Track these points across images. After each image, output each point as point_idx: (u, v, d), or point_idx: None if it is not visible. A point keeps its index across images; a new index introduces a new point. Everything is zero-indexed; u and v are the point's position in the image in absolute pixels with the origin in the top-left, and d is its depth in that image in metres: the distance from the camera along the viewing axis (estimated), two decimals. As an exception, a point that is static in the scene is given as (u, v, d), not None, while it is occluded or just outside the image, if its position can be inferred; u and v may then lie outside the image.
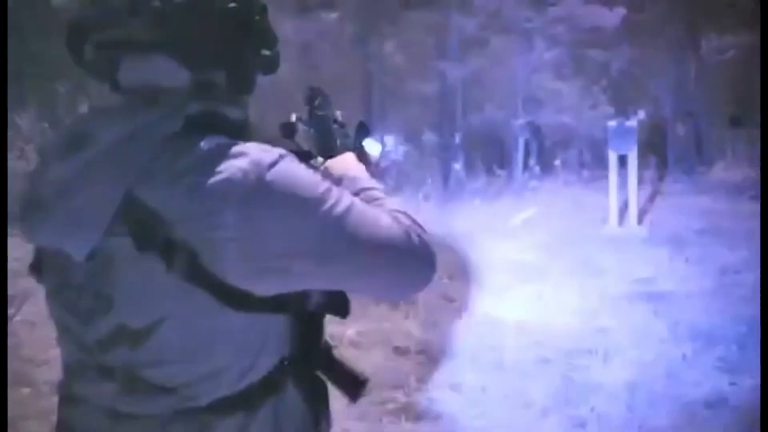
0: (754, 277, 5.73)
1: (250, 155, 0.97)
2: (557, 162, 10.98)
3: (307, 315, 1.12)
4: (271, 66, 1.17)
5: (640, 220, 8.06)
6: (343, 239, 1.00)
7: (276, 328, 1.06)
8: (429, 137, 11.21)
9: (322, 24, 10.76)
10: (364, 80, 11.09)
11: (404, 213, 1.11)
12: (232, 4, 1.06)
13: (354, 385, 1.28)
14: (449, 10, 11.52)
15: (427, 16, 11.41)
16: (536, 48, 11.78)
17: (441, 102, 11.54)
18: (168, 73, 1.04)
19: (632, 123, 8.50)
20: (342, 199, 1.02)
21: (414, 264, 1.08)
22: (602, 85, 12.40)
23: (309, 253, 0.99)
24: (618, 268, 6.40)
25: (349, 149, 1.40)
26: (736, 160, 12.81)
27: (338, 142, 1.39)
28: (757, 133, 13.93)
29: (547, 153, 11.13)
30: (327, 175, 1.32)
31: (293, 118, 1.32)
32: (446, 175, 10.52)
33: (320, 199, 0.99)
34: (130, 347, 0.99)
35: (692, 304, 5.27)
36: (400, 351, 4.61)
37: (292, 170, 1.00)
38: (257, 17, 1.11)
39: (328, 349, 1.25)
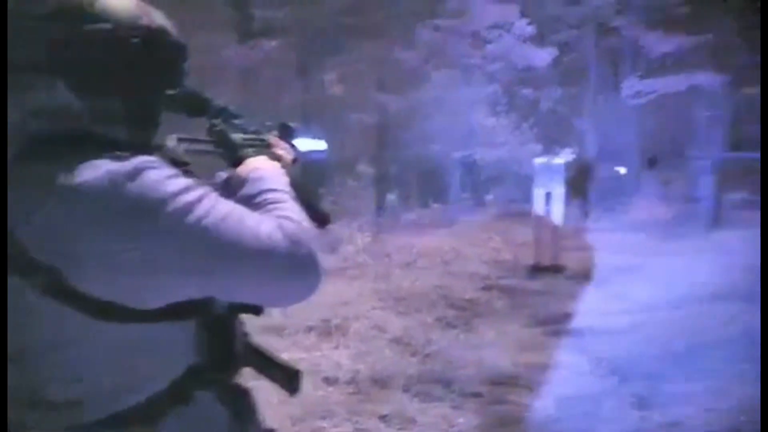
0: (667, 315, 6.07)
1: (106, 167, 0.97)
2: (489, 196, 11.22)
3: (214, 319, 1.11)
4: (176, 105, 1.19)
5: (562, 257, 8.31)
6: (213, 249, 0.98)
7: (174, 336, 1.05)
8: (365, 168, 11.31)
9: (263, 52, 10.77)
10: (304, 109, 11.10)
11: (294, 221, 1.08)
12: (135, 40, 1.05)
13: (288, 378, 1.34)
14: (391, 44, 11.70)
15: (369, 49, 11.53)
16: (474, 84, 12.05)
17: (379, 134, 11.65)
18: (59, 96, 1.03)
19: (559, 161, 8.78)
20: (214, 209, 1.00)
21: (295, 273, 1.04)
22: (531, 122, 12.83)
23: (173, 264, 0.97)
24: (541, 302, 6.63)
25: (265, 154, 1.37)
26: (652, 200, 13.44)
27: (251, 150, 1.36)
28: (672, 174, 14.76)
29: (480, 187, 11.38)
30: (224, 181, 1.33)
31: (172, 139, 1.26)
32: (381, 206, 10.63)
33: (183, 209, 0.97)
34: (17, 367, 0.99)
35: (610, 341, 5.45)
36: (329, 381, 4.59)
37: (151, 181, 0.97)
38: (163, 56, 1.11)
39: (251, 347, 1.27)
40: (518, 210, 10.70)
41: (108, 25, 1.04)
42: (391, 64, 11.90)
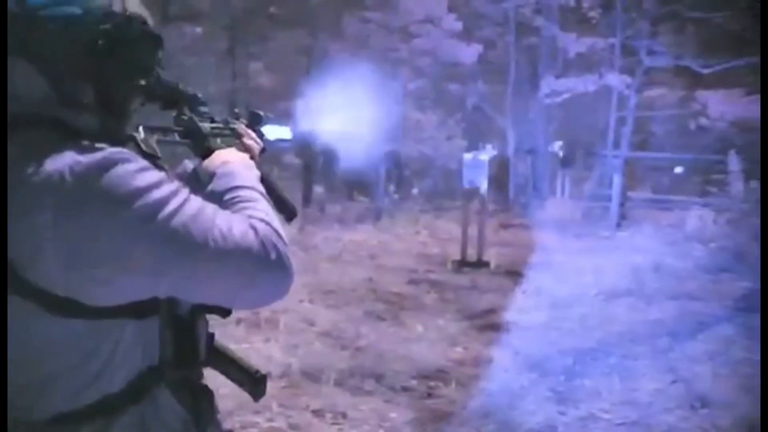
0: (580, 311, 6.37)
1: (72, 156, 0.94)
2: (415, 191, 11.32)
3: (178, 319, 1.10)
4: (151, 96, 1.17)
5: (486, 252, 8.52)
6: (183, 249, 0.96)
7: (136, 335, 1.03)
8: (291, 159, 11.22)
9: (186, 38, 10.46)
10: (230, 97, 10.87)
11: (266, 222, 1.06)
12: (105, 26, 1.02)
13: (252, 382, 1.34)
14: (318, 33, 11.60)
15: (295, 38, 11.39)
16: (401, 78, 12.10)
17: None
18: (24, 79, 0.99)
19: (484, 157, 8.96)
20: (185, 207, 0.98)
21: (267, 276, 1.03)
22: (457, 118, 13.02)
23: (139, 263, 0.94)
24: (468, 297, 6.80)
25: (233, 145, 1.36)
26: (565, 198, 13.97)
27: (218, 140, 1.35)
28: (584, 174, 15.40)
29: (406, 181, 11.47)
30: (192, 172, 1.32)
31: (140, 130, 1.21)
32: (307, 198, 10.57)
33: (153, 206, 0.94)
34: None
35: (528, 336, 5.63)
36: (261, 375, 4.60)
37: (120, 174, 0.94)
38: (136, 45, 1.08)
39: (216, 349, 1.27)
40: (444, 205, 10.85)
41: (77, 10, 1.00)
42: (318, 55, 11.79)
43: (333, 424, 4.03)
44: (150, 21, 1.13)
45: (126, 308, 0.99)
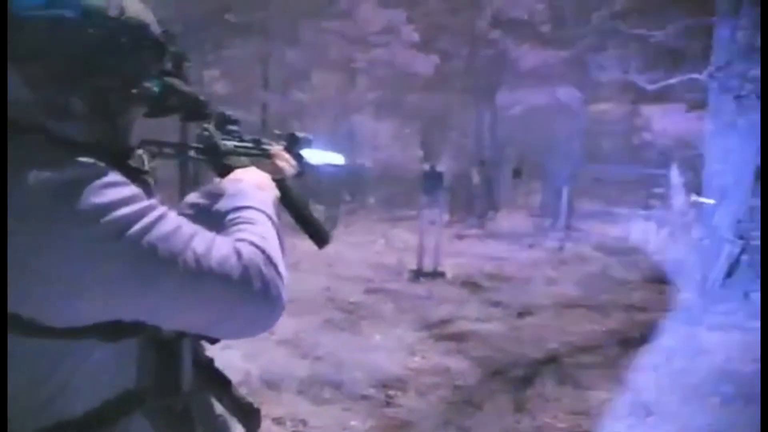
0: (534, 321, 6.51)
1: (41, 168, 0.87)
2: (372, 200, 11.32)
3: (159, 342, 1.02)
4: (154, 105, 1.09)
5: (442, 263, 8.57)
6: (145, 269, 0.88)
7: (103, 357, 0.95)
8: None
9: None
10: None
11: (256, 245, 0.97)
12: (96, 30, 0.95)
13: (244, 415, 1.29)
14: (275, 42, 11.51)
15: (251, 46, 11.25)
16: (358, 87, 12.11)
17: (261, 133, 11.40)
18: (9, 84, 0.93)
19: (441, 168, 9.03)
20: (158, 225, 0.90)
21: (247, 307, 0.94)
22: (414, 128, 13.08)
23: (100, 283, 0.87)
24: (424, 307, 6.86)
25: (261, 165, 1.30)
26: (517, 210, 14.20)
27: (245, 159, 1.30)
28: (534, 186, 15.70)
29: (361, 190, 11.46)
30: (210, 193, 1.26)
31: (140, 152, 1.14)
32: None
33: (119, 222, 0.88)
34: None
35: (485, 346, 5.71)
36: (220, 381, 4.56)
37: (88, 189, 0.87)
38: (133, 52, 1.01)
39: (208, 375, 1.21)
40: (400, 214, 10.88)
41: (69, 12, 0.93)
42: (275, 63, 11.67)
43: (294, 431, 4.03)
44: (154, 27, 1.06)
45: (91, 330, 0.91)
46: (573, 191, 12.65)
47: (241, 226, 1.03)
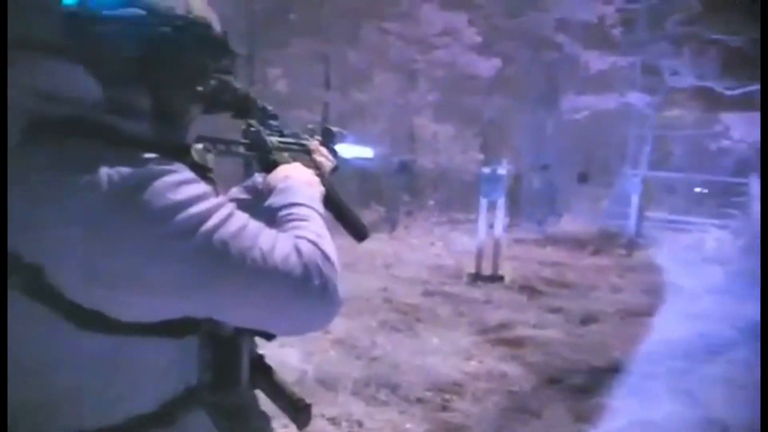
0: (596, 329, 6.31)
1: (113, 165, 0.88)
2: (430, 202, 11.27)
3: (219, 340, 1.04)
4: (212, 103, 1.10)
5: (501, 267, 8.44)
6: (218, 268, 0.89)
7: (171, 354, 0.98)
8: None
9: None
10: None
11: (313, 243, 0.98)
12: (166, 30, 0.97)
13: (295, 410, 1.28)
14: (336, 42, 11.58)
15: (313, 45, 11.34)
16: (418, 89, 12.08)
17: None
18: (76, 82, 0.94)
19: (503, 171, 8.87)
20: (226, 223, 0.91)
21: (305, 303, 0.95)
22: (474, 131, 12.98)
23: (171, 280, 0.88)
24: (482, 311, 6.75)
25: (301, 160, 1.31)
26: (581, 216, 13.89)
27: (287, 154, 1.31)
28: (600, 191, 15.34)
29: (421, 192, 11.43)
30: (253, 188, 1.30)
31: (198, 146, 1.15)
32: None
33: (191, 221, 0.88)
34: None
35: (544, 352, 5.58)
36: (276, 381, 4.58)
37: (161, 187, 0.88)
38: (197, 51, 1.02)
39: (261, 372, 1.21)
40: (459, 217, 10.80)
41: (138, 11, 0.95)
42: (336, 63, 11.75)
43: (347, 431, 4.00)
44: (216, 25, 1.08)
45: (158, 327, 0.93)
46: (643, 198, 12.27)
47: (296, 223, 1.05)
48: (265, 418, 1.25)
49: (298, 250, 0.96)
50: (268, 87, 11.18)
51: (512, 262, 9.00)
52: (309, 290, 0.94)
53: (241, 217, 0.94)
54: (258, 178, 1.36)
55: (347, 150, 1.58)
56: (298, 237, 0.99)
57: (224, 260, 0.90)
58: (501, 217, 8.67)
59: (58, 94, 0.93)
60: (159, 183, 0.89)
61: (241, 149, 1.30)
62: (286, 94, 11.34)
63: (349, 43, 11.94)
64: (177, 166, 0.93)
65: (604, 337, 6.07)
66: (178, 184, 0.90)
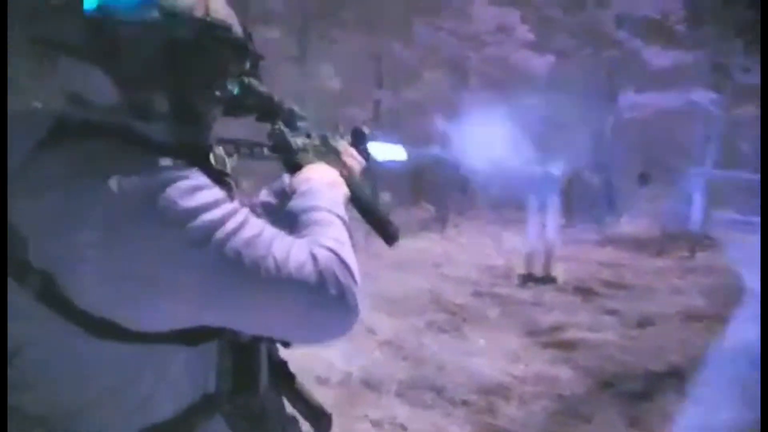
0: (655, 332, 6.07)
1: (129, 171, 0.87)
2: (482, 201, 11.14)
3: (238, 347, 1.03)
4: (235, 106, 1.10)
5: (554, 268, 8.26)
6: (231, 276, 0.88)
7: (186, 361, 0.96)
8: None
9: (262, 40, 10.59)
10: (298, 101, 10.97)
11: (332, 250, 0.96)
12: (183, 32, 0.96)
13: (315, 418, 1.27)
14: (388, 39, 11.57)
15: (365, 43, 11.36)
16: (470, 87, 11.98)
17: (373, 130, 11.57)
18: (95, 85, 0.94)
19: (556, 171, 8.69)
20: (240, 230, 0.89)
21: (322, 313, 0.93)
22: (528, 129, 12.78)
23: (181, 290, 0.87)
24: (532, 312, 6.59)
25: (328, 162, 1.29)
26: (641, 216, 13.47)
27: (312, 155, 1.29)
28: (662, 191, 14.83)
29: (472, 191, 11.31)
30: (280, 190, 1.29)
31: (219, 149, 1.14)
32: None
33: (204, 228, 0.86)
34: None
35: (598, 356, 5.40)
36: (321, 381, 4.53)
37: (175, 193, 0.87)
38: (217, 54, 1.01)
39: (282, 379, 1.21)
40: (511, 216, 10.64)
41: (155, 13, 0.94)
42: (388, 61, 11.76)
43: (390, 434, 3.92)
44: (238, 27, 1.05)
45: (175, 334, 0.92)
46: (707, 197, 11.80)
47: (314, 229, 1.02)
48: (293, 424, 1.25)
49: (314, 258, 0.93)
50: (321, 83, 11.25)
51: (567, 263, 8.78)
52: (325, 299, 0.92)
53: (255, 225, 0.92)
54: (286, 179, 1.35)
55: (380, 151, 1.56)
56: (314, 244, 0.96)
57: (237, 270, 0.88)
58: (554, 217, 8.48)
59: (78, 96, 0.94)
60: (172, 190, 0.87)
61: (266, 151, 1.29)
62: (338, 91, 11.43)
63: (401, 40, 11.94)
64: (191, 171, 0.91)
65: (662, 341, 5.82)
66: (192, 190, 0.88)
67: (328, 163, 1.29)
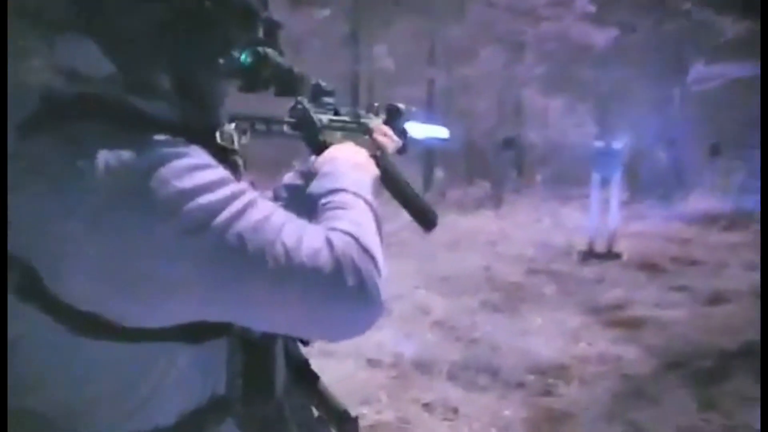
0: (726, 309, 5.75)
1: (116, 152, 0.77)
2: (538, 177, 10.91)
3: (250, 344, 0.94)
4: (248, 79, 0.96)
5: (617, 244, 7.99)
6: (234, 265, 0.78)
7: (190, 360, 0.88)
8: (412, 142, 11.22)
9: (314, 21, 10.59)
10: (352, 81, 10.95)
11: (351, 235, 0.86)
12: None
13: (338, 422, 1.18)
14: (442, 18, 11.41)
15: (418, 22, 11.24)
16: (526, 62, 11.73)
17: (427, 108, 11.52)
18: (88, 58, 0.84)
19: (619, 146, 8.37)
20: (246, 213, 0.80)
21: (339, 305, 0.83)
22: (588, 104, 12.42)
23: (180, 283, 0.78)
24: (593, 290, 6.35)
25: (358, 141, 1.20)
26: (711, 190, 12.94)
27: (338, 134, 1.20)
28: (734, 164, 14.16)
29: (529, 167, 11.09)
30: (307, 173, 1.18)
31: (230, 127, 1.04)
32: (427, 182, 10.41)
33: (203, 210, 0.77)
34: None
35: (665, 335, 5.17)
36: (372, 363, 4.44)
37: (170, 173, 0.77)
38: (217, 18, 0.90)
39: (303, 378, 1.13)
40: (570, 192, 10.36)
41: None
42: (441, 39, 11.59)
43: (444, 419, 3.81)
44: None
45: (176, 332, 0.83)
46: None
47: (335, 212, 0.93)
48: (323, 424, 1.18)
49: (329, 244, 0.83)
50: (373, 64, 11.16)
51: (632, 239, 8.43)
52: (342, 290, 0.82)
53: (262, 208, 0.82)
54: (313, 159, 1.21)
55: (419, 129, 1.45)
56: (331, 228, 0.86)
57: (240, 259, 0.78)
58: (617, 193, 8.19)
59: (69, 69, 0.83)
60: (165, 169, 0.77)
61: (285, 128, 1.17)
62: (391, 71, 11.35)
63: (454, 17, 11.71)
64: (190, 148, 0.81)
65: (735, 319, 5.48)
66: (189, 169, 0.78)
67: (358, 142, 1.19)
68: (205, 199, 0.77)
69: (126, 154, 0.76)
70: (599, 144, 8.47)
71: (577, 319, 5.53)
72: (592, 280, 6.75)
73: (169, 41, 0.86)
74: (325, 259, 0.81)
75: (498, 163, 10.68)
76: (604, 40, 13.02)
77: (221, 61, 0.91)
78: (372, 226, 0.92)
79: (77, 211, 0.75)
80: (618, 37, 13.23)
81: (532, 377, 4.33)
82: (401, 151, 1.33)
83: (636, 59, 14.03)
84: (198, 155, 0.81)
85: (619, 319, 5.55)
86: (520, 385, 4.25)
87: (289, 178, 1.33)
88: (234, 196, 0.80)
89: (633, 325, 5.41)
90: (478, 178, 10.72)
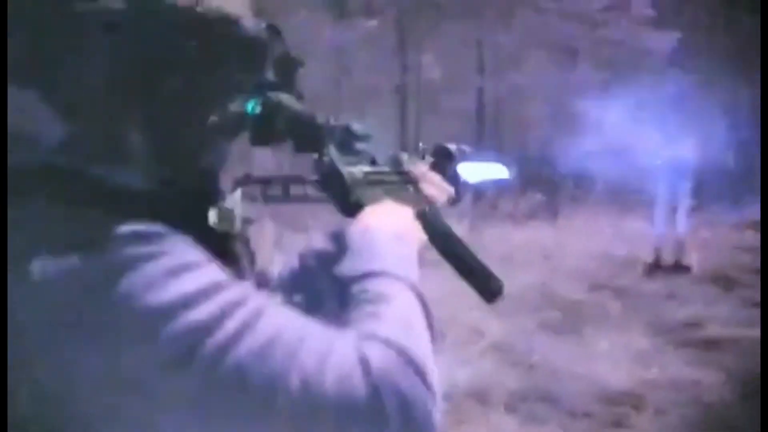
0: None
1: (75, 248, 0.61)
2: (598, 186, 10.65)
3: None
4: (231, 130, 0.76)
5: (686, 255, 7.62)
6: (233, 400, 0.62)
7: None
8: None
9: (361, 30, 10.61)
10: (400, 91, 10.93)
11: (392, 344, 0.68)
12: (153, 29, 0.66)
13: None
14: (490, 25, 11.25)
15: (465, 30, 11.19)
16: (580, 69, 11.55)
17: (477, 117, 11.30)
18: (24, 113, 0.66)
19: (684, 152, 8.19)
20: (251, 330, 0.63)
21: None
22: (650, 110, 12.15)
23: (174, 403, 0.62)
24: (663, 307, 6.05)
25: (400, 197, 1.00)
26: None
27: (376, 190, 0.99)
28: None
29: (587, 177, 10.81)
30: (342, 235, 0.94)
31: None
32: (478, 192, 10.18)
33: (193, 330, 0.61)
34: None
35: (745, 356, 4.87)
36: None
37: (146, 281, 0.61)
38: (211, 57, 0.71)
39: None
40: (632, 201, 10.04)
41: (120, 4, 0.65)
42: (490, 46, 11.40)
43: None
44: (249, 21, 0.74)
45: None
46: None
47: (372, 308, 0.75)
48: None
49: (364, 363, 0.66)
50: (420, 73, 11.10)
51: (701, 249, 8.04)
52: (381, 422, 0.65)
53: (271, 319, 0.65)
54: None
55: (474, 171, 1.26)
56: (366, 338, 0.69)
57: (241, 397, 0.62)
58: (686, 201, 7.90)
59: (18, 134, 0.66)
60: (136, 275, 0.61)
61: (309, 190, 0.97)
62: (439, 80, 11.22)
63: (504, 24, 11.52)
64: (170, 241, 0.64)
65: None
66: (166, 274, 0.62)
67: (400, 198, 1.00)
68: (188, 317, 0.61)
69: (85, 250, 0.60)
70: (665, 151, 8.25)
71: (647, 340, 5.24)
72: (660, 296, 6.43)
73: (145, 87, 0.68)
74: (356, 385, 0.65)
75: (552, 172, 10.43)
76: (665, 44, 12.61)
77: (214, 117, 0.73)
78: (421, 325, 0.75)
79: (34, 326, 0.60)
80: (681, 40, 12.81)
81: (598, 407, 4.10)
82: (454, 201, 1.14)
83: (700, 63, 13.72)
84: (179, 251, 0.64)
85: (693, 339, 5.26)
86: (586, 415, 4.03)
87: (320, 241, 1.07)
88: (229, 311, 0.63)
89: (709, 345, 5.13)
90: (532, 189, 10.51)
